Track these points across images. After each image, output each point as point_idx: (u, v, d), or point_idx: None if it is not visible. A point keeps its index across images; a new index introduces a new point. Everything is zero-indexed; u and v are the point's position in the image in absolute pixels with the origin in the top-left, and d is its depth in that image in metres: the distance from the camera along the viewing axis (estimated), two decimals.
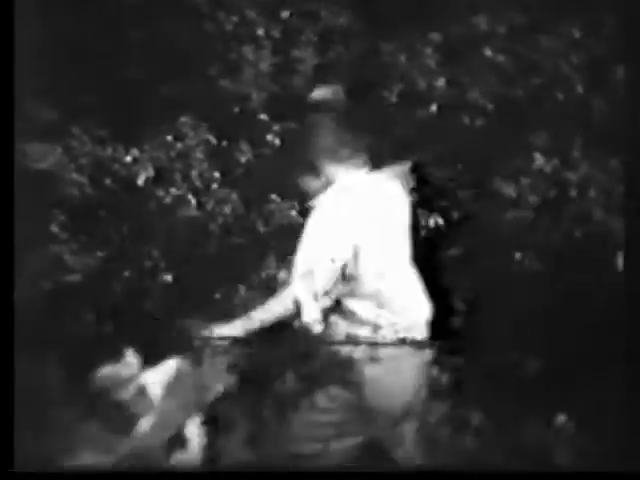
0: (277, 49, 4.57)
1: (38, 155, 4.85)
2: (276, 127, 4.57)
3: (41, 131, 4.71)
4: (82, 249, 4.72)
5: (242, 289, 4.59)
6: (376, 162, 3.45)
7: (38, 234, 4.61)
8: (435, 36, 4.11)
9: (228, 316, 3.97)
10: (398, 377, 3.19)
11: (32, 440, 2.92)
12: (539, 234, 3.91)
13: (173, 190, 4.83)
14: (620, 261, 3.64)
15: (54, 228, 4.86)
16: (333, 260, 3.18)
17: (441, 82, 4.16)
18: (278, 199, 4.67)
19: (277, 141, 4.55)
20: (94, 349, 3.90)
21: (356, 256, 3.19)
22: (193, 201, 4.92)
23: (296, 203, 4.40)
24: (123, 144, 4.66)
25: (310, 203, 3.37)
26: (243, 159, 4.72)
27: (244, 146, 4.73)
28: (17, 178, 4.18)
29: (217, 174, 4.88)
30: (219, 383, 3.31)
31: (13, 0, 3.77)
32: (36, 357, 3.47)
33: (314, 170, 3.40)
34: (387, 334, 3.21)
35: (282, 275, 3.76)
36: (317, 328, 3.22)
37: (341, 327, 3.24)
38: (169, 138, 4.72)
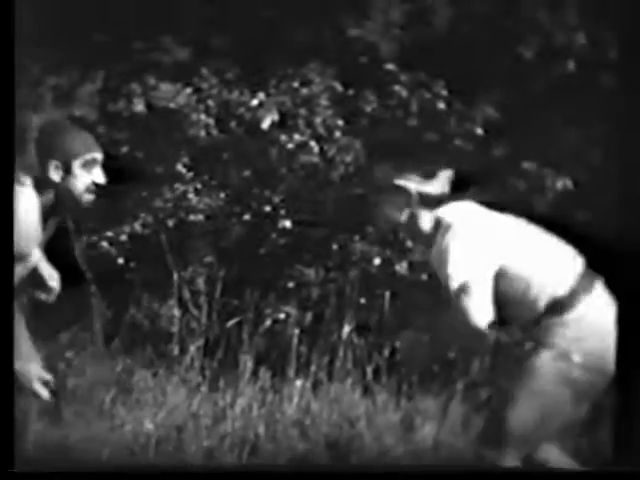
0: None
1: (168, 94, 4.78)
2: (404, 77, 4.42)
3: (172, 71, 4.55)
4: (205, 190, 4.61)
5: (358, 240, 4.40)
6: None
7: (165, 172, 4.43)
8: None
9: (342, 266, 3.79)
10: None
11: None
12: None
13: (297, 136, 4.72)
14: None
15: (180, 167, 4.75)
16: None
17: None
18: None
19: (404, 92, 4.41)
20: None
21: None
22: (316, 148, 4.81)
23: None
24: (250, 87, 4.50)
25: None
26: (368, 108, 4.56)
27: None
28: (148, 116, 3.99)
29: (341, 122, 4.76)
30: None
31: None
32: None
33: None
34: None
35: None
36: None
37: None
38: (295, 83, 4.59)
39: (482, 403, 4.40)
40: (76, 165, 2.94)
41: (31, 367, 3.07)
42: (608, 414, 3.17)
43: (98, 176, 2.97)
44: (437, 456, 4.15)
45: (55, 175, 2.94)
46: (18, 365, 3.04)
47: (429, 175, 3.23)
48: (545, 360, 3.17)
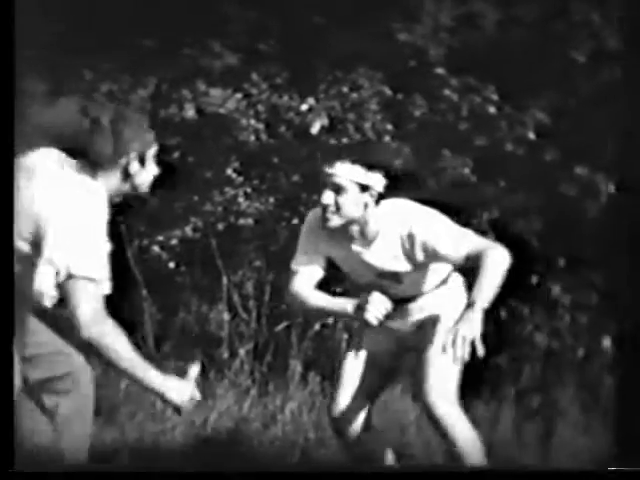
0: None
1: (219, 100, 4.84)
2: (453, 82, 4.49)
3: (222, 76, 4.60)
4: (255, 194, 4.68)
5: None
6: None
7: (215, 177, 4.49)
8: None
9: None
10: None
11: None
12: None
13: (346, 141, 4.77)
14: None
15: (229, 172, 4.81)
16: None
17: None
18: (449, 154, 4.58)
19: (454, 97, 4.47)
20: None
21: None
22: None
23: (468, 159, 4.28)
24: (299, 92, 4.56)
25: None
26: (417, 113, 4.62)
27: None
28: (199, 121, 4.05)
29: (390, 126, 4.80)
30: None
31: None
32: None
33: None
34: None
35: None
36: None
37: None
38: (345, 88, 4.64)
39: (533, 411, 4.36)
40: (149, 157, 2.83)
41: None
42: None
43: (154, 169, 2.86)
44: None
45: (133, 168, 2.79)
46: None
47: (391, 172, 3.39)
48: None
